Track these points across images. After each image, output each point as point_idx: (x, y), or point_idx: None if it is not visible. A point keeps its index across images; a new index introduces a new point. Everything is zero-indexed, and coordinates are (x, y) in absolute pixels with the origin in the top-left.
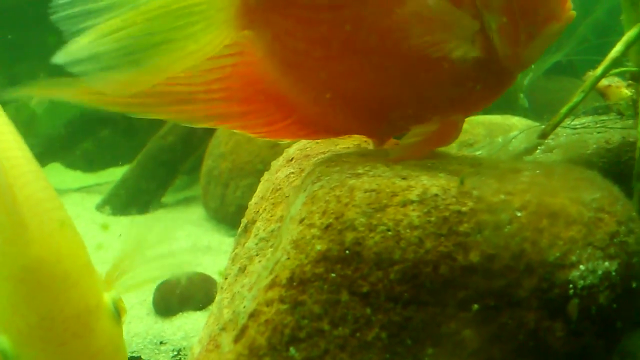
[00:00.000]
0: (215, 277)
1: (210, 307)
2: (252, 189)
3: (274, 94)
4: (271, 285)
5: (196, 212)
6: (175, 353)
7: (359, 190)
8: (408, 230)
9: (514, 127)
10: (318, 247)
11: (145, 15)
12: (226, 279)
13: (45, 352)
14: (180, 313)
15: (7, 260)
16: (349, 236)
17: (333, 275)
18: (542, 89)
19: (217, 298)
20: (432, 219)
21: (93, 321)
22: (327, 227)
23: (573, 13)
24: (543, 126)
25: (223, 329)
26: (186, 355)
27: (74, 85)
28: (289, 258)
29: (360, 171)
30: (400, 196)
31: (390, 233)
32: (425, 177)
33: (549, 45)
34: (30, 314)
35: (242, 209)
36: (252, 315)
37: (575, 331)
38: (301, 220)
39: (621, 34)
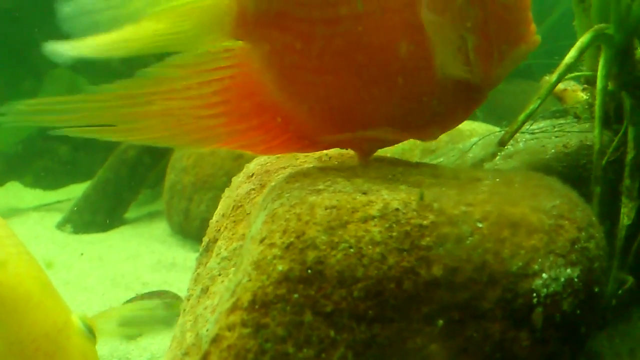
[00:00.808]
0: (182, 294)
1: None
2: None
3: (272, 107)
4: (233, 309)
5: (160, 227)
6: None
7: (319, 207)
8: (370, 247)
9: (475, 133)
10: (280, 267)
11: None
12: (188, 300)
13: None
14: (147, 333)
15: None
16: (311, 255)
17: (296, 295)
18: (501, 92)
19: (180, 321)
20: (394, 234)
21: (63, 339)
22: (288, 246)
23: (538, 37)
24: (502, 132)
25: (186, 353)
26: None
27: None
28: (250, 280)
29: (320, 187)
30: (361, 212)
31: (352, 250)
32: (385, 191)
33: (516, 66)
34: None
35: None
36: (215, 340)
37: (541, 339)
38: (262, 240)
39: (575, 38)
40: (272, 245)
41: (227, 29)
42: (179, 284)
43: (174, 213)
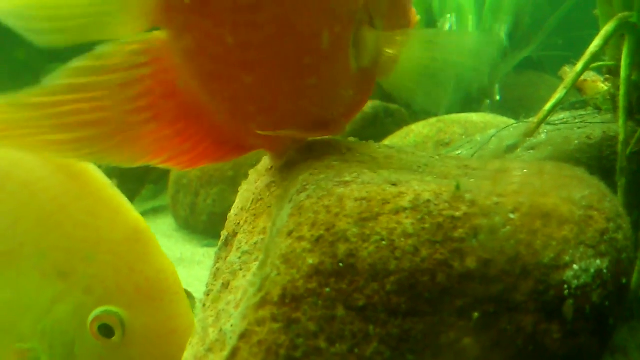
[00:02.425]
0: (191, 289)
1: None
2: (223, 196)
3: (194, 108)
4: (262, 304)
5: (166, 223)
6: None
7: (348, 199)
8: (402, 239)
9: (490, 125)
10: (310, 260)
11: None
12: (208, 295)
13: (153, 309)
14: None
15: (112, 230)
16: (342, 248)
17: (327, 289)
18: (511, 85)
19: (201, 316)
20: (427, 225)
21: (178, 280)
22: (318, 239)
23: (418, 18)
24: (522, 123)
25: (209, 349)
26: None
27: None
28: (279, 274)
29: (347, 179)
30: (392, 204)
31: (384, 243)
32: (415, 182)
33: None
34: (138, 276)
35: (213, 217)
36: (243, 336)
37: (571, 332)
38: (289, 233)
39: (591, 29)
40: (300, 238)
41: (150, 12)
42: (188, 278)
43: (179, 208)
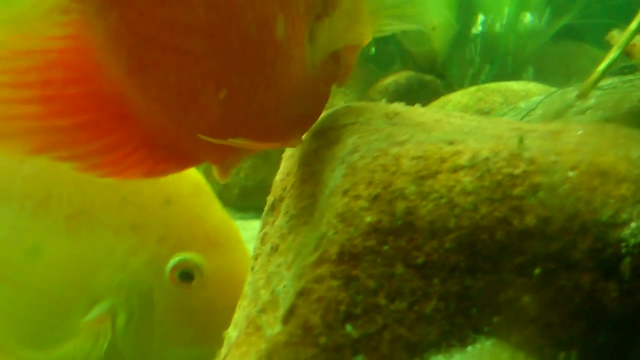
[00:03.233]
0: None
1: None
2: (255, 170)
3: (117, 105)
4: (319, 262)
5: None
6: None
7: (405, 157)
8: (462, 197)
9: (531, 93)
10: (367, 219)
11: None
12: (256, 259)
13: (221, 254)
14: None
15: (178, 185)
16: (400, 206)
17: (386, 247)
18: (549, 54)
19: (250, 279)
20: (486, 183)
21: (237, 229)
22: (375, 197)
23: None
24: (569, 89)
25: (262, 310)
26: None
27: None
28: (336, 232)
29: (401, 139)
30: (450, 162)
31: (443, 200)
32: (471, 141)
33: None
34: (206, 225)
35: (246, 191)
36: (301, 293)
37: (628, 290)
38: (345, 192)
39: None
40: (357, 197)
41: None
42: None
43: (212, 181)
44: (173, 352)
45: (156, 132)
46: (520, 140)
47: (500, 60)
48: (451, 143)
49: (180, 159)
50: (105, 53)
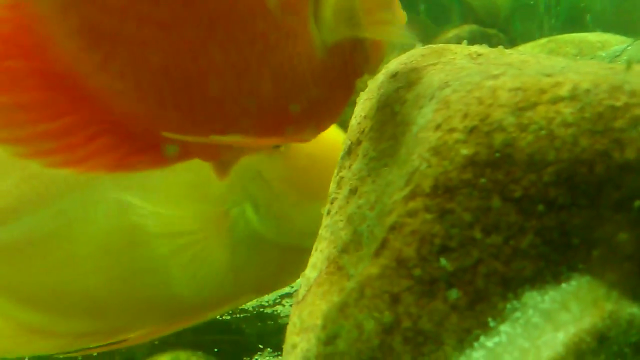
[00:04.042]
0: None
1: None
2: None
3: (68, 80)
4: (411, 196)
5: None
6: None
7: (501, 89)
8: (562, 129)
9: (608, 44)
10: (464, 151)
11: None
12: (332, 203)
13: None
14: None
15: None
16: (498, 138)
17: (483, 180)
18: (612, 3)
19: (326, 222)
20: (586, 115)
21: None
22: (472, 130)
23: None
24: None
25: (344, 251)
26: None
27: None
28: (430, 166)
29: (494, 73)
30: (550, 93)
31: (543, 132)
32: (571, 73)
33: (397, 32)
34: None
35: None
36: (393, 228)
37: None
38: (437, 127)
39: None
40: (452, 130)
41: None
42: None
43: None
44: (299, 213)
45: (127, 118)
46: (629, 66)
47: (564, 15)
48: (549, 75)
49: (159, 153)
50: (53, 24)
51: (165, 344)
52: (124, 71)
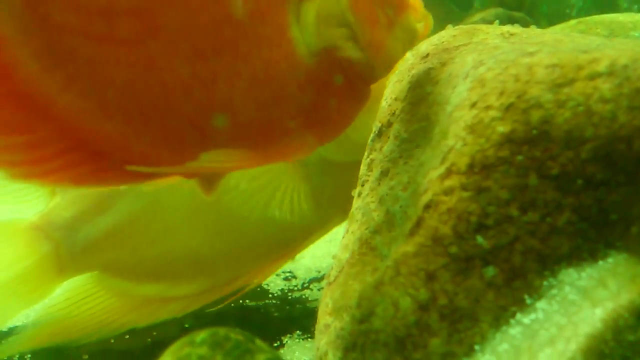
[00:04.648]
0: None
1: None
2: None
3: (34, 101)
4: (447, 174)
5: None
6: (286, 274)
7: (538, 66)
8: (600, 105)
9: None
10: (500, 129)
11: None
12: (363, 185)
13: None
14: None
15: None
16: (536, 115)
17: (520, 157)
18: None
19: (357, 204)
20: (625, 91)
21: None
22: (509, 107)
23: (431, 18)
24: None
25: (376, 232)
26: (296, 277)
27: None
28: (465, 144)
29: (530, 50)
30: (587, 69)
31: (581, 108)
32: (609, 49)
33: (409, 46)
34: None
35: None
36: (428, 206)
37: None
38: (473, 105)
39: None
40: (488, 108)
41: None
42: None
43: None
44: (354, 129)
45: (93, 136)
46: None
47: None
48: (586, 52)
49: (125, 171)
50: (17, 46)
51: (203, 324)
52: (87, 90)
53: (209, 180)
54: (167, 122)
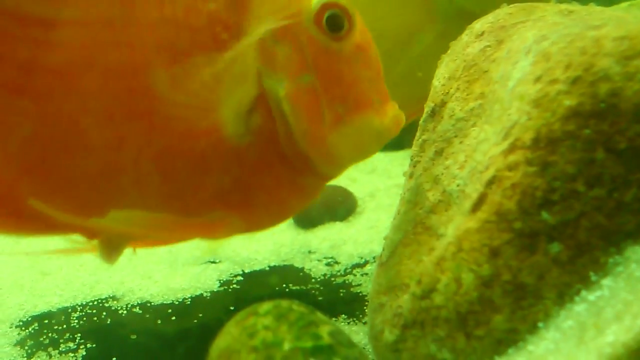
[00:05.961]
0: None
1: (350, 218)
2: None
3: None
4: (511, 149)
5: None
6: (329, 260)
7: (606, 39)
8: None
9: None
10: (567, 102)
11: None
12: (415, 166)
13: None
14: (321, 225)
15: None
16: (603, 87)
17: (587, 131)
18: None
19: (409, 185)
20: None
21: None
22: (575, 80)
23: (401, 115)
24: None
25: (431, 211)
26: (338, 263)
27: None
28: (530, 118)
29: (596, 23)
30: None
31: None
32: None
33: (367, 147)
34: None
35: None
36: (491, 182)
37: None
38: (537, 79)
39: None
40: (553, 81)
41: None
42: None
43: None
44: None
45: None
46: None
47: None
48: None
49: (24, 219)
50: None
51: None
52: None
53: (115, 244)
54: (69, 177)
